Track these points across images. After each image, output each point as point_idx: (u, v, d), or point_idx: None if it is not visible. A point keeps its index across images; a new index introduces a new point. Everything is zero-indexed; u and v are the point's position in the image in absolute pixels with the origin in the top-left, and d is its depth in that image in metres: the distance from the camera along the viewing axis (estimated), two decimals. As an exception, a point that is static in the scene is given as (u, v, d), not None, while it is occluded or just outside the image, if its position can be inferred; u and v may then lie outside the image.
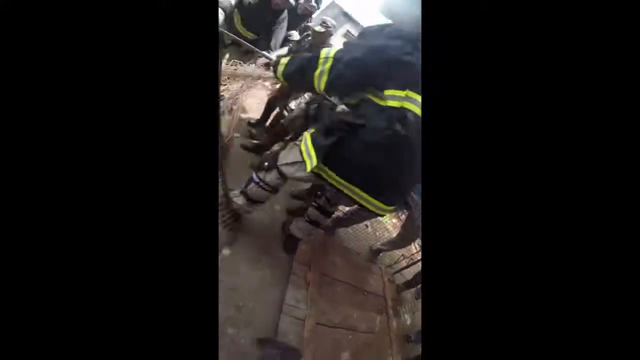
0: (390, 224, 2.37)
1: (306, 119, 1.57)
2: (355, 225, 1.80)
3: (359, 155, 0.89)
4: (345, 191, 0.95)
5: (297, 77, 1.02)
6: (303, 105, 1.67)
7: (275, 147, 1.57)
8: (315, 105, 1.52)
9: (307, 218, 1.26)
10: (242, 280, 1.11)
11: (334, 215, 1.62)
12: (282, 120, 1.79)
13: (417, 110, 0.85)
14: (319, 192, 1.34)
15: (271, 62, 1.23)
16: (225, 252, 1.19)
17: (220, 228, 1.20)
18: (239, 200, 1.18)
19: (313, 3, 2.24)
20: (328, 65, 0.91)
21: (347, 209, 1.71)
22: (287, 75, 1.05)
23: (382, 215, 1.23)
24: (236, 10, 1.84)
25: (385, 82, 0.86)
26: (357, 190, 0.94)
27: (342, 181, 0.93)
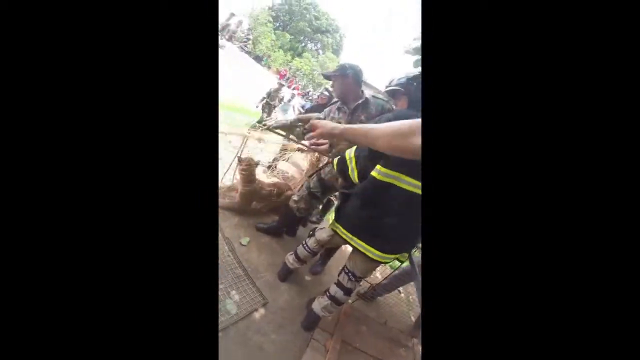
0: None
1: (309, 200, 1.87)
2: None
3: (357, 212, 1.20)
4: (352, 243, 1.23)
5: (342, 176, 1.40)
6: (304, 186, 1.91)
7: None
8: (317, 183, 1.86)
9: (327, 294, 1.39)
10: (268, 342, 1.30)
11: (375, 283, 1.80)
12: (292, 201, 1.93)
13: (401, 185, 1.10)
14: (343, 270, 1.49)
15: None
16: (260, 310, 1.43)
17: (255, 289, 1.49)
18: (290, 258, 1.62)
19: (325, 92, 3.03)
20: (353, 164, 1.27)
21: (383, 277, 1.83)
22: (338, 174, 1.45)
23: (385, 263, 1.41)
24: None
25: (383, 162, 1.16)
26: (357, 241, 1.21)
27: (347, 234, 1.24)
